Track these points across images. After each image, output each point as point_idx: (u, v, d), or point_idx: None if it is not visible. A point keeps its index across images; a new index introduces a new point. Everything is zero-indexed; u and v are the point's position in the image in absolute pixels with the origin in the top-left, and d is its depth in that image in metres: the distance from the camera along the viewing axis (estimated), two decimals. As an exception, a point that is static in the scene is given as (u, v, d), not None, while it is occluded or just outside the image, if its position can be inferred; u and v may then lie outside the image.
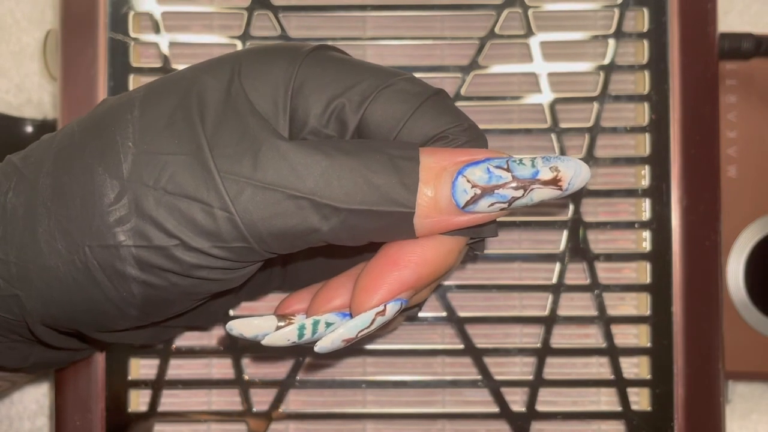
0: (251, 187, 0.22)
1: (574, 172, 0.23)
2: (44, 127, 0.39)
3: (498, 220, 0.24)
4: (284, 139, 0.22)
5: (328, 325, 0.25)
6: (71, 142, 0.24)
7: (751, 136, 0.39)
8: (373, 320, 0.23)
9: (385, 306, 0.23)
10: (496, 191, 0.23)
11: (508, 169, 0.23)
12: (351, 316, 0.24)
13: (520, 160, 0.23)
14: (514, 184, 0.23)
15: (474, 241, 0.25)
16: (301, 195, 0.22)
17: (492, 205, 0.23)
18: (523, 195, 0.23)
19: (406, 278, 0.23)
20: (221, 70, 0.23)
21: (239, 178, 0.22)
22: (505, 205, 0.23)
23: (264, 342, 0.24)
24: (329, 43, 0.33)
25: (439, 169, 0.23)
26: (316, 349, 0.24)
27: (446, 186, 0.23)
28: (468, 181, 0.22)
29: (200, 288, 0.24)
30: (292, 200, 0.22)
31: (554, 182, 0.23)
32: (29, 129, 0.38)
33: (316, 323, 0.25)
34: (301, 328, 0.24)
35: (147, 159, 0.22)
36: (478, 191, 0.23)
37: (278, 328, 0.25)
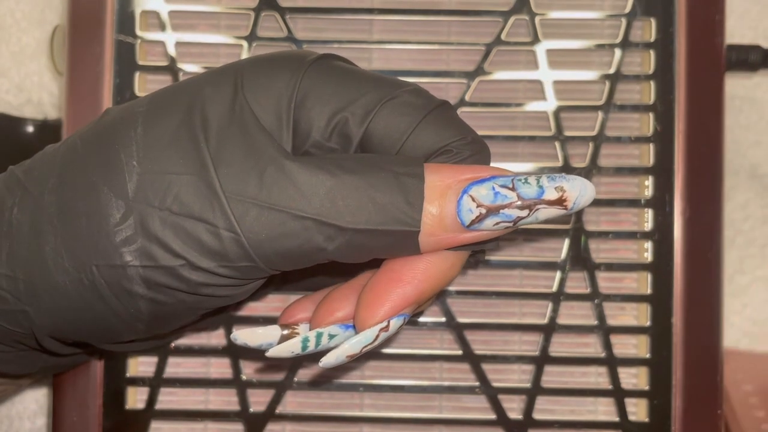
0: (256, 207, 0.22)
1: (579, 192, 0.23)
2: (44, 127, 0.39)
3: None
4: (289, 157, 0.22)
5: (332, 336, 0.25)
6: (75, 157, 0.24)
7: None
8: (377, 336, 0.24)
9: (388, 322, 0.23)
10: (501, 211, 0.23)
11: (513, 189, 0.23)
12: (354, 328, 0.24)
13: (525, 179, 0.23)
14: (519, 204, 0.23)
15: (476, 251, 0.26)
16: (307, 215, 0.22)
17: (497, 224, 0.23)
18: (528, 215, 0.23)
19: (409, 294, 0.24)
20: (224, 84, 0.23)
21: (244, 199, 0.22)
22: (510, 224, 0.23)
23: (268, 354, 0.25)
24: (335, 46, 0.33)
25: (444, 187, 0.23)
26: (321, 364, 0.24)
27: (451, 205, 0.23)
28: (473, 200, 0.22)
29: (206, 303, 0.24)
30: (298, 221, 0.22)
31: (559, 202, 0.23)
32: (29, 129, 0.38)
33: (319, 335, 0.25)
34: (305, 340, 0.25)
35: (152, 179, 0.22)
36: (484, 211, 0.22)
37: (282, 337, 0.26)
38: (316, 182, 0.22)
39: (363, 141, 0.24)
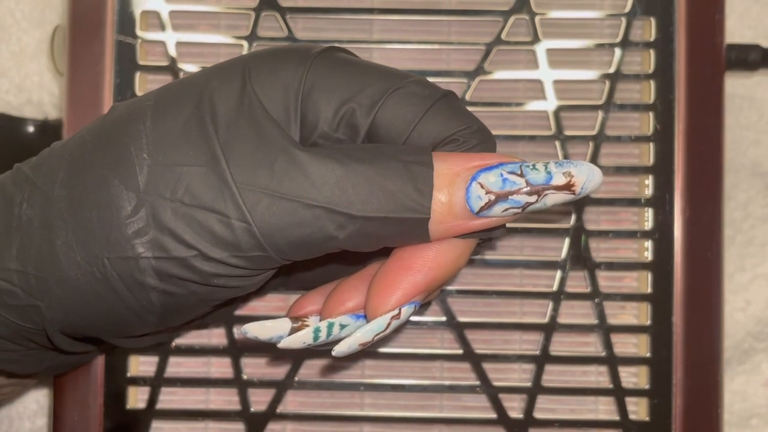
0: (268, 197, 0.22)
1: (587, 177, 0.23)
2: (45, 127, 0.39)
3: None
4: (299, 148, 0.23)
5: (343, 326, 0.25)
6: (84, 152, 0.24)
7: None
8: (389, 324, 0.24)
9: (399, 310, 0.24)
10: (510, 197, 0.23)
11: (521, 175, 0.23)
12: (365, 318, 0.25)
13: (533, 165, 0.23)
14: (527, 189, 0.23)
15: (484, 239, 0.26)
16: (317, 204, 0.22)
17: (506, 210, 0.23)
18: (537, 200, 0.23)
19: (419, 282, 0.24)
20: (231, 76, 0.23)
21: (256, 189, 0.22)
22: (519, 210, 0.23)
23: (280, 345, 0.25)
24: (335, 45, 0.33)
25: (453, 175, 0.23)
26: (334, 353, 0.24)
27: (460, 192, 0.23)
28: (482, 187, 0.23)
29: (218, 294, 0.24)
30: (309, 209, 0.22)
31: (567, 187, 0.23)
32: (29, 129, 0.38)
33: (330, 326, 0.25)
34: (317, 330, 0.25)
35: (162, 171, 0.23)
36: (492, 197, 0.23)
37: (292, 329, 0.26)
38: (326, 171, 0.22)
39: (370, 131, 0.24)
